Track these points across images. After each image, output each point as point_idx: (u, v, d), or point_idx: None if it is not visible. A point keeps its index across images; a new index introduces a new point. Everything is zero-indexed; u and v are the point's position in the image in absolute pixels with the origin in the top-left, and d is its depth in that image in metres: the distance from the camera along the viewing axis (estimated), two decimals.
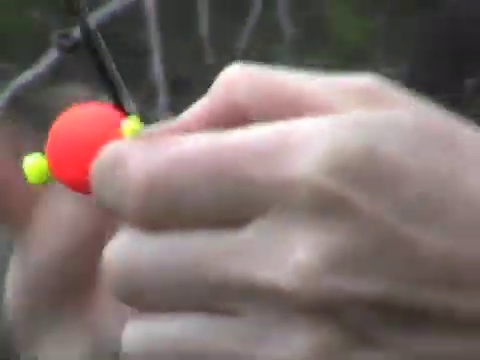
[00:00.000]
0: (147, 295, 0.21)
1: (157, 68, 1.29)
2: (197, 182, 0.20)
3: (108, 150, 0.22)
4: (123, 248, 0.21)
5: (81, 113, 0.24)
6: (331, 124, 0.20)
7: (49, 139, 0.23)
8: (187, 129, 0.22)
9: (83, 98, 0.26)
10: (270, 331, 0.20)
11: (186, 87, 1.53)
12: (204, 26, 1.82)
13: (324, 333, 0.20)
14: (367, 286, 0.20)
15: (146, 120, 0.24)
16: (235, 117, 0.22)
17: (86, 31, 0.24)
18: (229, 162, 0.20)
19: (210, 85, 0.23)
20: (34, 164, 0.23)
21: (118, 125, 0.23)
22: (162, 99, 1.25)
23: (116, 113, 0.23)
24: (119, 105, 0.23)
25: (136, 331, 0.22)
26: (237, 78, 0.22)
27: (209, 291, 0.21)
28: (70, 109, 0.24)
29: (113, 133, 0.22)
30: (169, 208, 0.21)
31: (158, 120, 0.24)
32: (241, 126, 0.21)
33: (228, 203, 0.21)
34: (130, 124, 0.23)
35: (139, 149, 0.21)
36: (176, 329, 0.21)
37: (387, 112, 0.21)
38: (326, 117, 0.21)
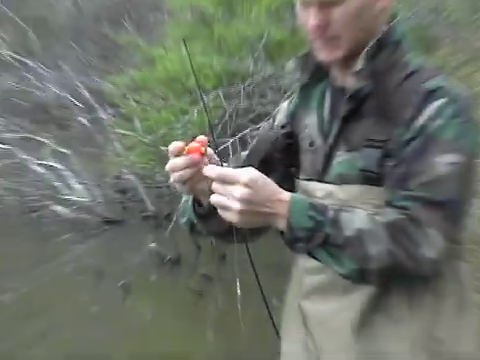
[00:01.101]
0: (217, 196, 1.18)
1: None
2: (223, 177, 1.16)
3: (212, 168, 1.20)
4: (216, 195, 1.17)
5: (195, 144, 1.28)
6: (244, 175, 1.15)
7: (189, 145, 1.27)
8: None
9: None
10: (232, 191, 1.15)
11: None
12: None
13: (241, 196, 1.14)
14: (246, 199, 1.14)
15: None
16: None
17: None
18: (224, 177, 1.16)
19: None
20: (183, 148, 1.26)
21: (202, 147, 1.28)
22: None
23: (200, 146, 1.28)
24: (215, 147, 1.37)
25: (214, 195, 1.18)
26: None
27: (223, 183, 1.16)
28: (194, 141, 1.28)
29: (201, 148, 1.27)
30: (221, 182, 1.16)
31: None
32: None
33: (224, 181, 1.16)
34: (205, 149, 1.28)
35: (212, 169, 1.18)
36: (220, 197, 1.16)
37: (249, 175, 1.15)
38: (242, 174, 1.15)
